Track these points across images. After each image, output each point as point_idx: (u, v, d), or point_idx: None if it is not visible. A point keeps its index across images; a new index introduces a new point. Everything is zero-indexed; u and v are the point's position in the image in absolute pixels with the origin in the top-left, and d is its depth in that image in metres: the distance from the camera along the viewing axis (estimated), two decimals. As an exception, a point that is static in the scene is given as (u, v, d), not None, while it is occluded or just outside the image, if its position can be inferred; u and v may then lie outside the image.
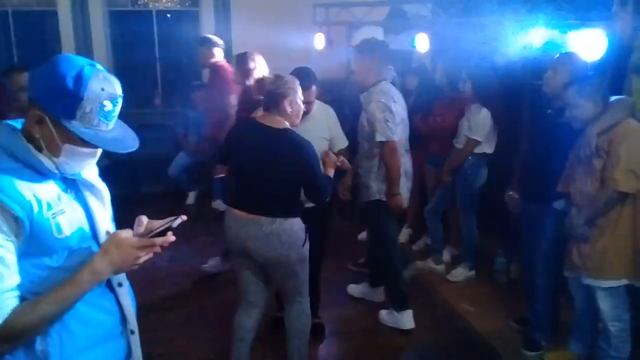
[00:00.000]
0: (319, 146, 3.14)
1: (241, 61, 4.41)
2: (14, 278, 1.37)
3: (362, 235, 5.46)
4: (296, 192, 2.89)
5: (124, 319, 1.63)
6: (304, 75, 3.13)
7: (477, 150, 4.30)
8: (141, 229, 1.51)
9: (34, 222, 1.38)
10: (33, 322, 1.38)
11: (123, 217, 1.74)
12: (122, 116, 1.53)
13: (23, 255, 1.40)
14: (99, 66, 1.47)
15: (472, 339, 3.78)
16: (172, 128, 6.65)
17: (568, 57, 3.28)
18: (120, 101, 1.48)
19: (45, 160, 1.44)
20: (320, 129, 3.32)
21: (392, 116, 3.55)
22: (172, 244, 1.49)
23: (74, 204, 1.51)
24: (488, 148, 4.32)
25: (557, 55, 3.36)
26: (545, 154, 3.30)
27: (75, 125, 1.41)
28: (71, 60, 1.44)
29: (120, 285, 1.61)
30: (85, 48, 6.97)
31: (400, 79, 5.05)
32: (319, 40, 6.97)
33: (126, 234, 1.48)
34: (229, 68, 5.26)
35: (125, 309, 1.62)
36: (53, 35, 7.22)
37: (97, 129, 1.44)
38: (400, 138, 3.65)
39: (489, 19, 4.55)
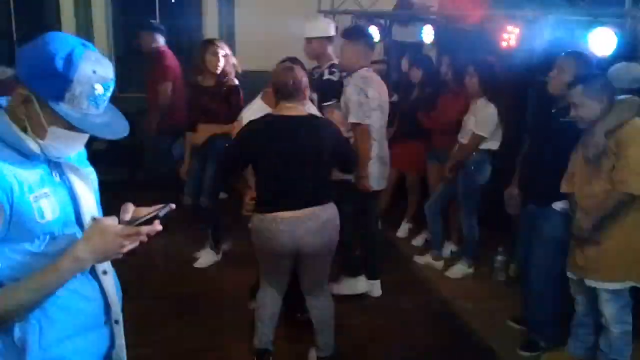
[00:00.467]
0: None
1: (204, 49, 4.28)
2: None
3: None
4: (330, 172, 3.01)
5: (108, 308, 1.57)
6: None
7: (482, 146, 4.23)
8: (127, 217, 1.45)
9: (15, 206, 1.32)
10: (10, 309, 1.32)
11: (118, 204, 1.68)
12: (122, 100, 1.46)
13: (2, 240, 1.34)
14: (91, 47, 1.40)
15: (469, 337, 3.73)
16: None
17: (574, 56, 3.20)
18: (112, 85, 1.42)
19: (29, 142, 1.38)
20: None
21: (367, 100, 3.69)
22: (163, 231, 1.44)
23: (58, 188, 1.45)
24: (493, 145, 4.24)
25: (564, 53, 3.28)
26: (547, 153, 3.24)
27: (63, 108, 1.35)
28: (62, 39, 1.37)
29: (105, 273, 1.55)
30: (85, 34, 6.87)
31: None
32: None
33: (111, 221, 1.41)
34: (169, 54, 5.20)
35: (109, 297, 1.56)
36: (53, 19, 7.12)
37: (86, 113, 1.37)
38: (374, 123, 3.78)
39: (498, 13, 4.48)
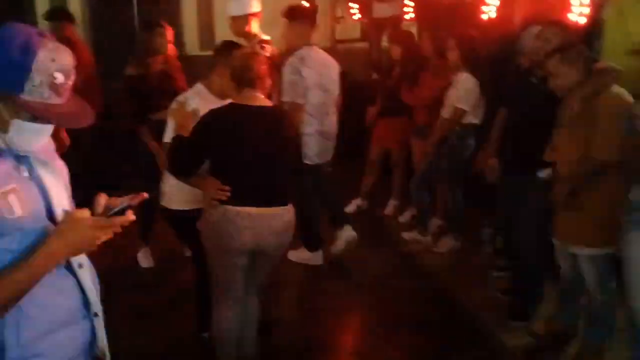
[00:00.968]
0: None
1: (152, 32, 4.13)
2: None
3: (349, 208, 5.44)
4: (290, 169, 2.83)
5: (86, 302, 1.55)
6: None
7: (464, 120, 4.23)
8: (100, 208, 1.44)
9: None
10: None
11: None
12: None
13: None
14: (48, 36, 1.38)
15: (458, 309, 3.77)
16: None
17: (552, 24, 3.20)
18: (72, 73, 1.39)
19: None
20: None
21: (301, 79, 3.82)
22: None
23: (28, 183, 1.42)
24: (475, 118, 4.24)
25: (542, 23, 3.28)
26: (529, 122, 3.24)
27: (24, 99, 1.32)
28: (18, 29, 1.34)
29: (81, 266, 1.53)
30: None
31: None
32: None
33: (83, 213, 1.40)
34: (80, 44, 5.13)
35: (87, 291, 1.54)
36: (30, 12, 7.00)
37: (48, 103, 1.35)
38: (312, 100, 3.92)
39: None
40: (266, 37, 3.99)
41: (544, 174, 3.18)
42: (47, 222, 1.45)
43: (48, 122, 1.37)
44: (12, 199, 1.35)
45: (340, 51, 6.47)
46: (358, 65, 7.08)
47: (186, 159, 2.68)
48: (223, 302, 2.80)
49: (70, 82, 1.39)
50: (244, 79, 2.66)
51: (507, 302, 3.66)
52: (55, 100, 1.36)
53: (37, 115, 1.33)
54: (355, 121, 5.73)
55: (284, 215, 2.71)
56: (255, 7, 3.99)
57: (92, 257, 1.57)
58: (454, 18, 4.86)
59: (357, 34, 6.99)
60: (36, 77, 1.32)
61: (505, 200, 3.58)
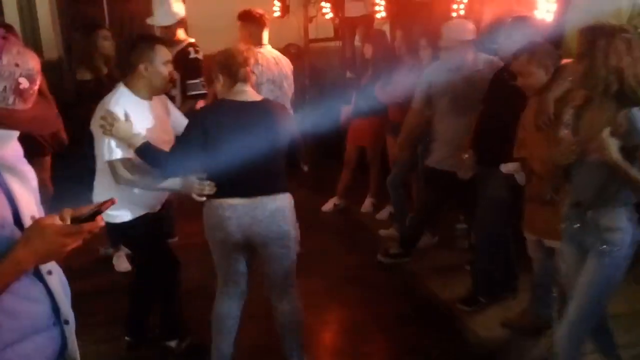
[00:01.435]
0: None
1: (95, 34, 4.12)
2: None
3: (327, 207, 5.45)
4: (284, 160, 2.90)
5: (56, 309, 1.53)
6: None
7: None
8: (68, 215, 1.42)
9: None
10: None
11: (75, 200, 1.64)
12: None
13: None
14: (12, 39, 1.36)
15: (434, 305, 3.81)
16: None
17: (520, 21, 3.25)
18: (37, 78, 1.37)
19: None
20: None
21: (252, 76, 3.91)
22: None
23: None
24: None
25: (511, 19, 3.33)
26: (495, 117, 3.29)
27: None
28: None
29: (50, 273, 1.51)
30: (30, 28, 6.65)
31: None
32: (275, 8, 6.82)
33: (51, 220, 1.38)
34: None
35: (57, 297, 1.52)
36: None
37: (13, 109, 1.33)
38: (265, 95, 3.88)
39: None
40: (192, 40, 4.27)
41: (505, 168, 3.24)
42: (15, 229, 1.42)
43: (13, 128, 1.35)
44: None
45: (313, 50, 6.49)
46: (332, 65, 7.10)
47: (186, 157, 2.67)
48: (223, 294, 2.92)
49: (36, 87, 1.38)
50: (236, 74, 2.73)
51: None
52: (20, 105, 1.34)
53: (1, 121, 1.32)
54: (330, 120, 5.75)
55: (269, 204, 2.74)
56: (181, 14, 4.22)
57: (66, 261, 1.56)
58: (425, 16, 4.89)
59: (330, 33, 7.01)
60: (0, 83, 1.30)
61: (475, 195, 3.64)
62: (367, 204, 5.39)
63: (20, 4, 6.73)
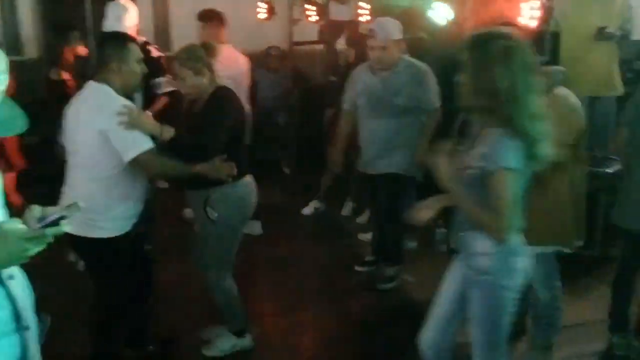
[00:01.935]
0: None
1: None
2: None
3: (307, 210, 5.44)
4: None
5: (18, 315, 1.49)
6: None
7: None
8: (32, 219, 1.39)
9: None
10: None
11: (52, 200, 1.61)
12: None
13: None
14: None
15: (413, 309, 3.80)
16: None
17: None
18: (4, 78, 1.35)
19: None
20: None
21: None
22: None
23: None
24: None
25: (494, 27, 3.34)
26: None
27: None
28: None
29: (11, 277, 1.47)
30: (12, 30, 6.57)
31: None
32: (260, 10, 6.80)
33: (13, 224, 1.34)
34: None
35: (18, 303, 1.48)
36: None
37: None
38: None
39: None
40: (145, 39, 4.35)
41: None
42: None
43: None
44: None
45: (297, 53, 6.49)
46: (316, 68, 7.10)
47: (220, 141, 2.86)
48: (229, 272, 3.14)
49: (3, 87, 1.35)
50: (212, 67, 3.02)
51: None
52: None
53: None
54: (313, 123, 5.75)
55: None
56: (132, 24, 4.18)
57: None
58: (407, 21, 4.91)
59: (315, 36, 7.00)
60: None
61: None
62: (347, 207, 5.39)
63: (2, 3, 6.66)
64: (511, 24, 3.44)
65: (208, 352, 3.22)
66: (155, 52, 4.22)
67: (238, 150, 2.99)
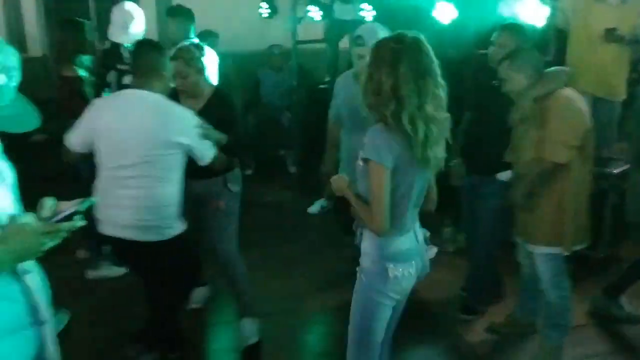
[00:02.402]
0: None
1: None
2: None
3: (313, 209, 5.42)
4: None
5: (34, 309, 1.50)
6: None
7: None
8: (45, 213, 1.39)
9: None
10: None
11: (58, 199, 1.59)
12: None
13: None
14: None
15: (420, 308, 3.79)
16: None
17: (508, 28, 3.27)
18: (17, 75, 1.34)
19: None
20: None
21: None
22: None
23: None
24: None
25: (501, 26, 3.34)
26: (490, 125, 3.29)
27: None
28: None
29: (27, 272, 1.48)
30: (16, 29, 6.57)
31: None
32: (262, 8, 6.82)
33: (28, 219, 1.35)
34: None
35: (34, 298, 1.49)
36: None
37: None
38: None
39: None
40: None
41: (503, 176, 3.24)
42: None
43: None
44: None
45: (302, 52, 6.46)
46: (320, 66, 7.09)
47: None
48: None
49: (14, 84, 1.35)
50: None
51: (464, 297, 3.73)
52: None
53: None
54: (317, 121, 5.72)
55: None
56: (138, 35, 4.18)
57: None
58: (412, 19, 4.90)
59: (319, 34, 6.99)
60: None
61: (468, 201, 3.63)
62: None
63: (5, 1, 6.66)
64: (513, 25, 3.42)
65: (248, 342, 3.29)
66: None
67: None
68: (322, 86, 6.66)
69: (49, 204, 1.42)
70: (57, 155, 4.30)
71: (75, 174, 4.00)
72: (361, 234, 2.28)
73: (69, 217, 1.37)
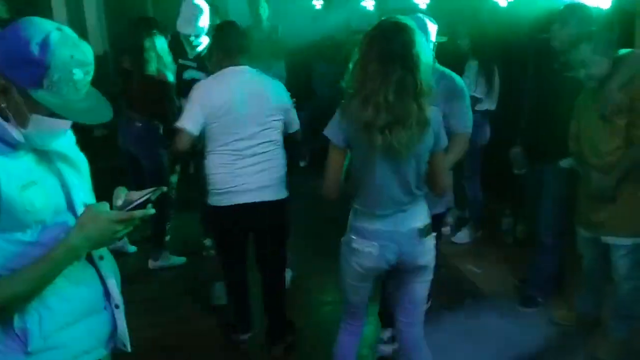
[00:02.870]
0: None
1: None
2: None
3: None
4: None
5: (107, 293, 1.56)
6: None
7: (478, 107, 4.18)
8: (119, 202, 1.44)
9: (3, 196, 1.31)
10: (9, 300, 1.33)
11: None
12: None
13: None
14: (68, 30, 1.37)
15: (479, 300, 3.73)
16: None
17: (576, 9, 3.14)
18: (91, 69, 1.39)
19: (12, 131, 1.36)
20: None
21: None
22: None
23: (47, 176, 1.43)
24: (490, 105, 4.20)
25: (564, 6, 3.22)
26: (553, 111, 3.19)
27: (42, 95, 1.32)
28: (37, 24, 1.33)
29: (101, 258, 1.54)
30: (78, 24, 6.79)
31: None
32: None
33: (103, 207, 1.40)
34: None
35: (107, 282, 1.55)
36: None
37: (67, 99, 1.34)
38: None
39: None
40: None
41: (566, 163, 3.14)
42: (69, 215, 1.46)
43: (67, 118, 1.37)
44: (32, 192, 1.36)
45: (355, 42, 6.41)
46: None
47: None
48: None
49: (89, 78, 1.39)
50: None
51: (525, 289, 3.64)
52: (74, 96, 1.36)
53: (54, 111, 1.33)
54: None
55: None
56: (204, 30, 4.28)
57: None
58: (466, 5, 4.80)
59: (373, 25, 6.92)
60: (54, 74, 1.31)
61: (529, 190, 3.54)
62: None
63: (68, 0, 6.91)
64: (580, 6, 3.28)
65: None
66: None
67: None
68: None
69: (122, 193, 1.47)
70: (117, 150, 4.50)
71: (136, 168, 4.13)
72: None
73: (141, 206, 1.41)
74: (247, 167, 2.89)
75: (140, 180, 4.01)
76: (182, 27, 4.28)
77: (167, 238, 4.31)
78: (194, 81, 3.58)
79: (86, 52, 1.36)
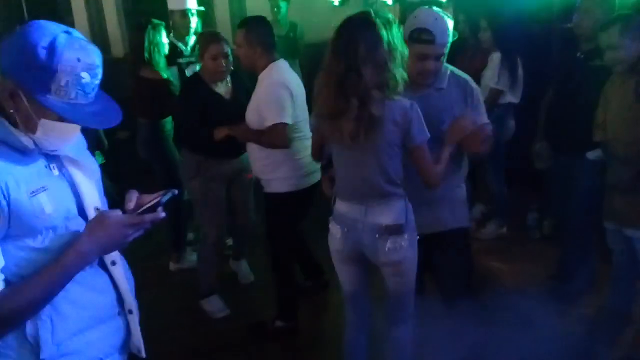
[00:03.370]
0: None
1: None
2: None
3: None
4: None
5: (120, 299, 1.55)
6: None
7: (502, 100, 4.09)
8: (130, 205, 1.42)
9: (12, 202, 1.30)
10: (20, 307, 1.31)
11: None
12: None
13: (5, 237, 1.32)
14: (75, 33, 1.35)
15: (505, 296, 3.65)
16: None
17: None
18: (99, 72, 1.37)
19: (21, 137, 1.35)
20: None
21: None
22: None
23: (57, 181, 1.42)
24: (513, 97, 4.11)
25: None
26: (578, 101, 3.10)
27: (50, 100, 1.30)
28: (44, 27, 1.32)
29: (114, 264, 1.53)
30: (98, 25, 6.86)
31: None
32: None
33: (114, 211, 1.39)
34: None
35: (120, 288, 1.54)
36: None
37: (75, 103, 1.33)
38: None
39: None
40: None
41: (593, 155, 3.06)
42: (80, 220, 1.45)
43: (76, 122, 1.36)
44: (42, 198, 1.35)
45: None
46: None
47: None
48: None
49: (97, 82, 1.37)
50: None
51: (554, 286, 3.55)
52: (82, 99, 1.34)
53: (63, 115, 1.32)
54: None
55: None
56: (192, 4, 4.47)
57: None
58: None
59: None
60: (62, 78, 1.29)
61: (556, 184, 3.45)
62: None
63: (88, 4, 6.97)
64: None
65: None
66: None
67: None
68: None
69: (133, 196, 1.45)
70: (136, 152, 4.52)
71: (152, 169, 4.13)
72: None
73: (152, 209, 1.39)
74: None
75: (153, 181, 4.02)
76: (172, 2, 4.40)
77: (192, 236, 4.31)
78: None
79: (93, 55, 1.35)
